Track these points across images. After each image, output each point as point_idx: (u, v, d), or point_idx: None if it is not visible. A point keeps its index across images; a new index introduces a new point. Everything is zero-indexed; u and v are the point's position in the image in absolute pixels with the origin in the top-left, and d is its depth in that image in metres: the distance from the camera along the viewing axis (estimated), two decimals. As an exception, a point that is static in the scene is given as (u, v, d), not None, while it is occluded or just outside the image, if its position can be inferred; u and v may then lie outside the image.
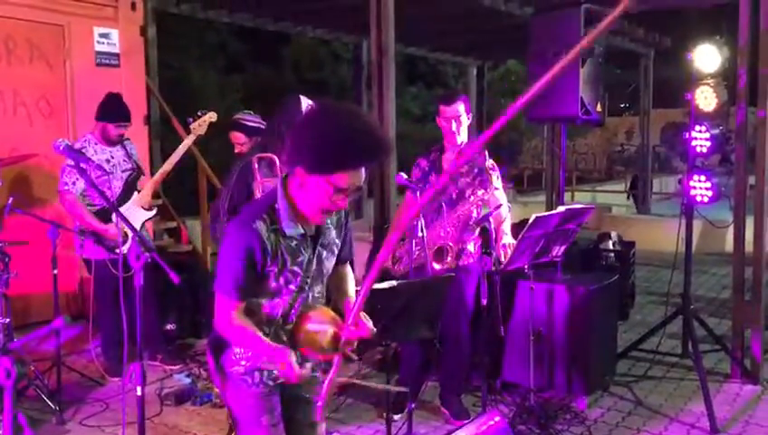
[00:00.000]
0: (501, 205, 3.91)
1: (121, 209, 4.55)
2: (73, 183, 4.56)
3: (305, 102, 3.94)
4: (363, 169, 2.10)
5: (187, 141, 4.80)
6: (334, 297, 2.45)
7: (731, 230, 4.81)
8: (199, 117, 4.74)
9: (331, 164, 2.03)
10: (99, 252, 4.61)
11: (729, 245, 8.68)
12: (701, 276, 7.90)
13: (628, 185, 15.13)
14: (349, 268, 2.50)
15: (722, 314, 6.33)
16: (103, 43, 6.11)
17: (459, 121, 3.96)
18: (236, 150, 4.48)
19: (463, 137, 4.01)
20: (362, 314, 2.18)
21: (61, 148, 3.14)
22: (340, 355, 2.09)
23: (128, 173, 4.78)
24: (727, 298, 6.85)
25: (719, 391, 4.54)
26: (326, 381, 2.08)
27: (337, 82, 17.16)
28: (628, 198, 13.94)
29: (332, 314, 2.21)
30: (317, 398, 2.15)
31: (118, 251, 4.54)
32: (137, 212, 4.70)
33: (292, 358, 2.10)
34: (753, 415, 4.22)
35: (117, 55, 6.23)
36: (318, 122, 2.08)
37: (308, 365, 2.17)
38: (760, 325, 4.72)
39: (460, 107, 3.96)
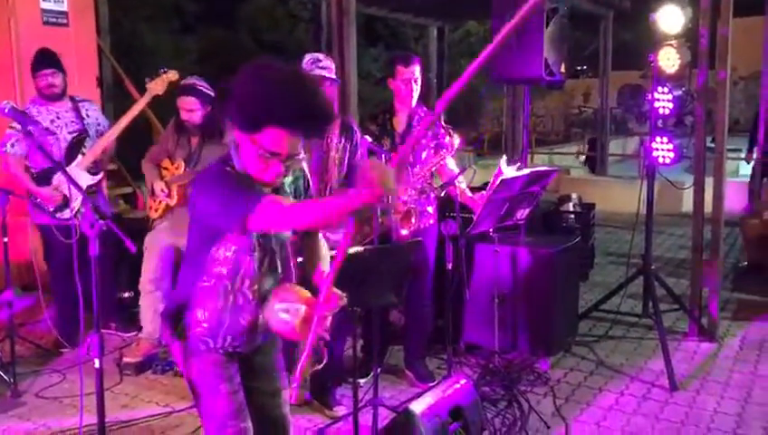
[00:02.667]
0: (463, 170, 3.88)
1: (60, 173, 4.38)
2: (12, 145, 4.42)
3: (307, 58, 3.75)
4: (293, 136, 1.96)
5: (141, 102, 4.55)
6: (306, 268, 2.38)
7: (686, 191, 4.86)
8: (158, 75, 4.50)
9: (254, 120, 1.94)
10: (42, 217, 4.47)
11: (684, 205, 8.92)
12: (658, 237, 8.02)
13: (586, 147, 15.24)
14: (319, 237, 2.42)
15: (679, 274, 6.45)
16: (50, 0, 5.83)
17: (417, 82, 3.89)
18: (185, 117, 4.25)
19: (415, 99, 3.95)
20: (333, 289, 2.10)
21: (6, 110, 3.00)
22: (314, 335, 2.02)
23: (73, 135, 4.55)
24: (684, 258, 7.00)
25: (678, 350, 4.64)
26: (300, 362, 2.03)
27: (295, 44, 16.84)
28: (585, 162, 14.03)
29: (304, 291, 2.13)
30: (293, 378, 2.09)
31: (59, 216, 4.42)
32: (79, 175, 4.46)
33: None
34: (711, 371, 4.31)
35: (65, 14, 5.95)
36: (247, 76, 1.98)
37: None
38: (717, 284, 4.81)
39: (417, 69, 3.89)
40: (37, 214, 4.53)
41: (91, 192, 4.51)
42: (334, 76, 3.80)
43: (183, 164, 4.31)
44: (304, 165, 2.34)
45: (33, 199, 4.46)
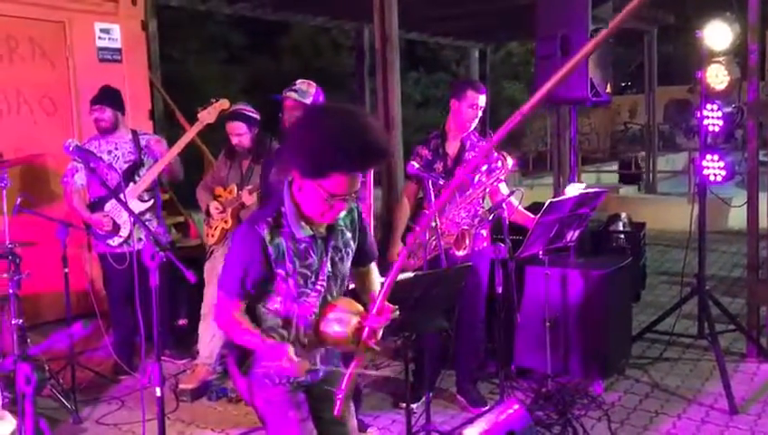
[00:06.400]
0: (512, 192, 3.88)
1: (113, 201, 4.51)
2: (72, 175, 4.65)
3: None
4: (358, 175, 2.04)
5: (192, 131, 4.65)
6: (360, 295, 2.42)
7: (734, 207, 4.76)
8: (209, 105, 4.58)
9: (319, 168, 1.99)
10: (100, 245, 4.66)
11: (733, 222, 8.71)
12: (710, 255, 7.83)
13: (620, 165, 15.06)
14: (373, 266, 2.46)
15: (734, 293, 6.30)
16: (105, 38, 6.06)
17: (481, 110, 3.92)
18: (235, 142, 4.40)
19: (474, 126, 3.98)
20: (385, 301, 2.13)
21: (70, 148, 3.12)
22: (364, 347, 2.06)
23: (128, 165, 4.68)
24: (739, 276, 6.83)
25: (736, 371, 4.52)
26: (347, 374, 2.05)
27: (338, 70, 17.05)
28: (620, 179, 13.83)
29: (356, 304, 2.18)
30: (337, 391, 2.13)
31: (109, 242, 4.57)
32: (130, 203, 4.54)
33: (292, 352, 2.08)
34: (772, 394, 4.19)
35: (119, 50, 6.18)
36: (308, 125, 2.05)
37: (307, 360, 2.14)
38: (775, 303, 4.69)
39: (484, 97, 3.93)
40: (96, 242, 4.72)
41: (143, 220, 4.65)
42: (305, 100, 3.93)
43: (236, 188, 4.42)
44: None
45: (89, 227, 4.64)
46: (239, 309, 2.16)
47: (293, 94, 3.96)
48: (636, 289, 6.12)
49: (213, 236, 4.49)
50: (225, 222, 4.42)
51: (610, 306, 4.26)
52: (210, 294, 4.47)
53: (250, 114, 4.41)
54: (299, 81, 4.10)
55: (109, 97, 4.69)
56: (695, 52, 4.52)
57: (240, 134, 4.37)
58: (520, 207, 3.93)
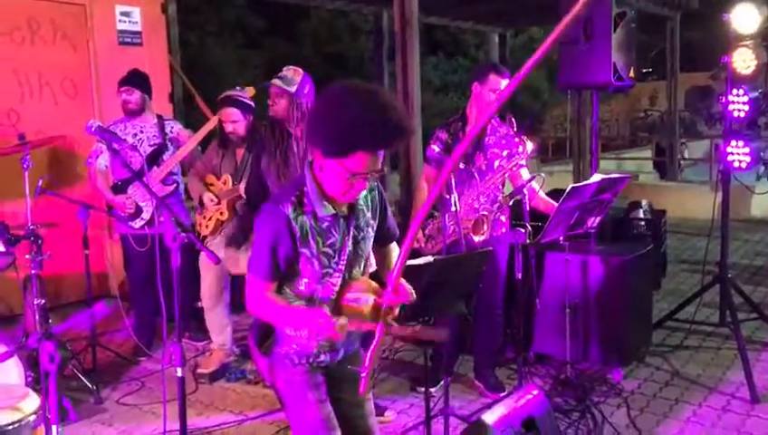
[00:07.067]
0: (533, 177, 3.84)
1: (136, 183, 4.50)
2: (96, 157, 4.70)
3: None
4: (379, 153, 2.04)
5: (215, 119, 4.55)
6: (380, 273, 2.43)
7: (756, 195, 4.68)
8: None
9: (341, 147, 1.99)
10: (122, 227, 4.71)
11: (756, 210, 8.59)
12: (732, 243, 7.72)
13: (655, 152, 14.78)
14: (394, 245, 2.46)
15: (757, 282, 6.24)
16: (125, 21, 6.07)
17: None
18: (229, 130, 4.28)
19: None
20: (402, 281, 2.12)
21: (93, 129, 3.13)
22: (382, 324, 2.06)
23: (152, 148, 4.69)
24: (761, 265, 6.76)
25: (758, 360, 4.47)
26: (369, 352, 2.05)
27: (356, 55, 17.01)
28: (654, 166, 13.64)
29: (372, 283, 2.18)
30: (361, 369, 2.13)
31: (131, 224, 4.60)
32: (152, 187, 4.54)
33: (328, 313, 2.07)
34: (794, 384, 4.14)
35: (139, 33, 6.19)
36: (329, 104, 2.04)
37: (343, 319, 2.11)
38: (799, 292, 4.63)
39: (507, 81, 3.85)
40: (118, 224, 4.76)
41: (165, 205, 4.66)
42: (290, 88, 3.79)
43: (230, 178, 4.33)
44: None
45: (111, 209, 4.67)
46: (270, 289, 2.17)
47: (278, 82, 3.84)
48: (656, 277, 6.07)
49: (207, 226, 4.39)
50: (221, 213, 4.33)
51: (631, 293, 4.23)
52: (208, 284, 4.45)
53: (244, 100, 4.32)
54: (285, 68, 3.96)
55: (138, 80, 4.73)
56: (718, 38, 4.44)
57: (234, 121, 4.27)
58: (541, 193, 3.89)
